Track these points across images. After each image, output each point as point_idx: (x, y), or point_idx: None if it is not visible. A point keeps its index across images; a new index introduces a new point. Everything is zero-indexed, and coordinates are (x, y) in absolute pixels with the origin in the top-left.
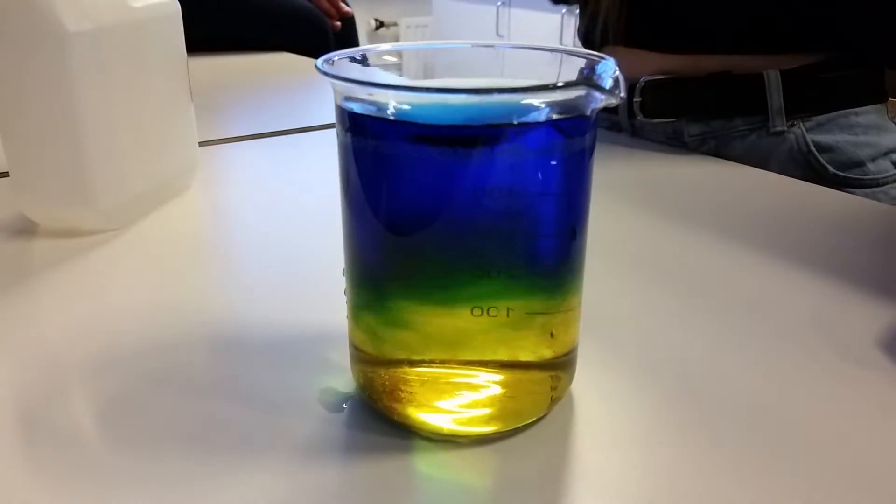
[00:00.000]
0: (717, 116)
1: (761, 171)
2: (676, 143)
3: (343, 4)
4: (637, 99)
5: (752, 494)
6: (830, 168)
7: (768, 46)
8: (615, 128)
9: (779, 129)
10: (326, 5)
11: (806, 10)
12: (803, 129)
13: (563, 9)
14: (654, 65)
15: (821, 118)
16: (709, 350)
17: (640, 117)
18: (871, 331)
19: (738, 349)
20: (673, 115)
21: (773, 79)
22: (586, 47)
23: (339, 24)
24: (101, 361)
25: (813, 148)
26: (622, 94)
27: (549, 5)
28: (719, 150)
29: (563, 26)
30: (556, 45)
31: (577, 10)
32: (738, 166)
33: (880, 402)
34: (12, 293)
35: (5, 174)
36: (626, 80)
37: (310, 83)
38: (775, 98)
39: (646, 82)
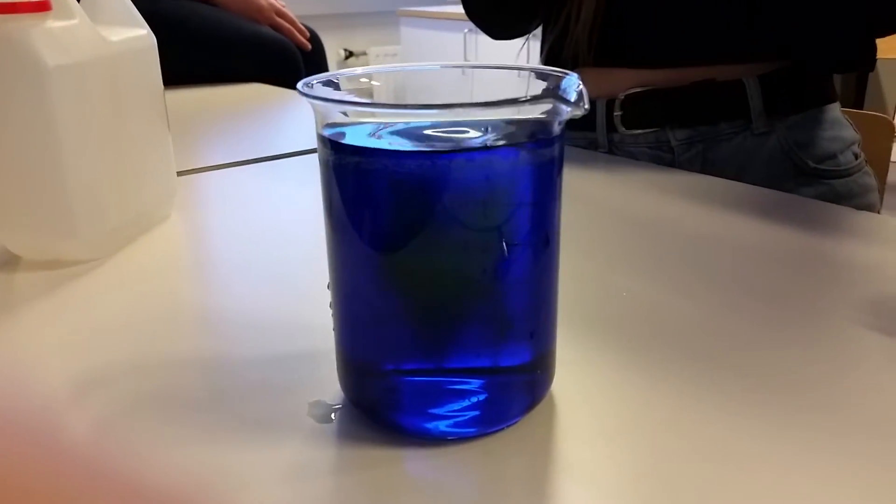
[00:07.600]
0: (702, 122)
1: (734, 182)
2: (662, 150)
3: (301, 27)
4: (618, 113)
5: (735, 485)
6: (810, 163)
7: (742, 56)
8: (591, 145)
9: (762, 130)
10: (298, 37)
11: (771, 23)
12: (783, 129)
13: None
14: (630, 81)
15: (796, 118)
16: (685, 345)
17: (621, 130)
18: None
19: (714, 341)
20: (657, 125)
21: (752, 84)
22: None
23: (309, 45)
24: (88, 386)
25: (793, 145)
26: (586, 106)
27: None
28: (706, 153)
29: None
30: (523, 65)
31: (533, 36)
32: (710, 178)
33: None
34: None
35: None
36: (602, 97)
37: (283, 111)
38: (756, 102)
39: (626, 96)
